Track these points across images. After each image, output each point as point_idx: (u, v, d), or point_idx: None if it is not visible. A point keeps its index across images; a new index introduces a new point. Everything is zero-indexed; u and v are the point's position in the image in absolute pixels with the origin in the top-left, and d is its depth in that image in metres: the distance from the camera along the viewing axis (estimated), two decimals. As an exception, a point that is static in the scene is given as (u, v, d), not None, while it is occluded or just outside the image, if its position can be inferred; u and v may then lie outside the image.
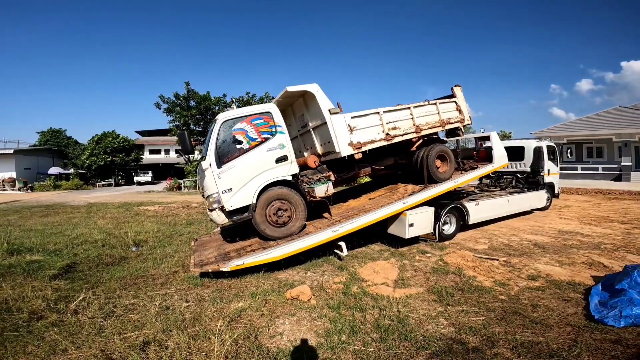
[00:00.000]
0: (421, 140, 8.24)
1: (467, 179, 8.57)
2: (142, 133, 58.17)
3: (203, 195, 6.61)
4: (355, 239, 7.93)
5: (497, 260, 6.43)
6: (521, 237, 8.19)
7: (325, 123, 6.76)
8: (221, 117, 6.09)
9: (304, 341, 3.94)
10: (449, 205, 8.03)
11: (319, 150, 7.63)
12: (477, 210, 8.59)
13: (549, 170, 11.62)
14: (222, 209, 5.96)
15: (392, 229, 7.47)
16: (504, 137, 59.49)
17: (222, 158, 5.87)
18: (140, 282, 5.95)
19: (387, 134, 7.41)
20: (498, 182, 12.47)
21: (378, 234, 8.05)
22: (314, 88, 6.69)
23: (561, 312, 4.19)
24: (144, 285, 5.79)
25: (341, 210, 8.08)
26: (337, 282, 5.78)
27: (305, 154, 8.15)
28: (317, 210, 7.60)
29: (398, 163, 8.61)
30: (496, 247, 7.43)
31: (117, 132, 43.23)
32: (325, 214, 7.47)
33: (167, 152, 54.45)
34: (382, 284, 5.64)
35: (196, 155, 26.62)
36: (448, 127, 8.56)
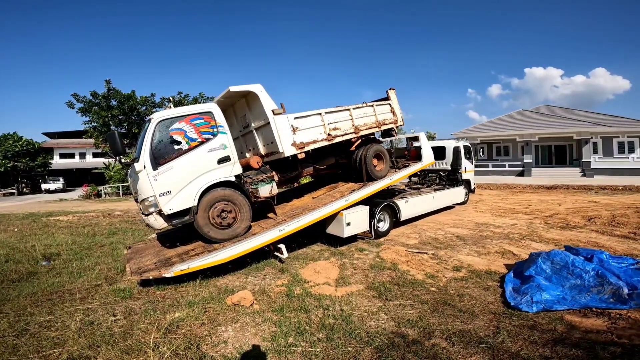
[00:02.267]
0: (360, 141, 8.66)
1: (400, 176, 9.22)
2: (51, 135, 50.72)
3: (136, 200, 6.14)
4: (296, 241, 7.95)
5: (427, 253, 6.95)
6: (446, 230, 8.97)
7: (269, 123, 6.74)
8: (157, 117, 5.76)
9: (251, 347, 3.85)
10: (382, 203, 8.47)
11: (262, 150, 7.59)
12: (407, 207, 9.20)
13: (465, 167, 12.87)
14: (160, 212, 5.66)
15: (331, 229, 7.66)
16: (429, 137, 64.10)
17: (159, 159, 5.56)
18: (56, 297, 5.36)
19: (329, 134, 7.65)
20: (425, 180, 13.51)
21: (318, 234, 8.17)
22: (257, 88, 6.62)
23: (483, 300, 4.66)
24: (59, 301, 5.23)
25: (286, 210, 8.11)
26: (279, 284, 5.73)
27: (247, 155, 8.06)
28: (262, 210, 7.56)
29: (339, 162, 8.94)
30: (425, 241, 8.03)
31: (19, 135, 37.97)
32: (270, 214, 7.46)
33: (82, 155, 48.31)
34: (324, 283, 5.72)
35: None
36: (384, 127, 9.13)
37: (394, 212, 8.86)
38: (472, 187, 13.77)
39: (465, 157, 13.01)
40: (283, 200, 9.13)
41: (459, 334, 3.83)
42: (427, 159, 10.01)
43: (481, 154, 15.84)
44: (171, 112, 5.93)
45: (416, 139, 10.57)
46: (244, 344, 3.92)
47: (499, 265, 5.95)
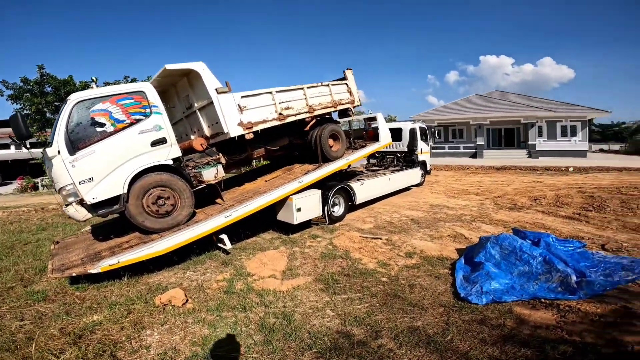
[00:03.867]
0: (314, 120, 8.30)
1: (357, 156, 8.91)
2: (-23, 124, 44.63)
3: (55, 189, 5.33)
4: (249, 228, 7.42)
5: (381, 239, 6.64)
6: (401, 213, 8.76)
7: (212, 103, 6.21)
8: (74, 97, 5.05)
9: (176, 352, 3.34)
10: (336, 186, 8.05)
11: (207, 132, 6.97)
12: (362, 190, 8.85)
13: (421, 149, 12.77)
14: (82, 202, 5.00)
15: (281, 215, 7.15)
16: (390, 120, 65.45)
17: (77, 143, 4.89)
18: (-43, 302, 4.49)
19: (280, 114, 7.18)
20: (382, 162, 13.29)
21: (271, 221, 7.63)
22: (199, 66, 6.01)
23: (434, 290, 4.37)
24: (-39, 305, 4.37)
25: (236, 194, 7.55)
26: (220, 280, 5.19)
27: (193, 137, 7.31)
28: (209, 196, 7.03)
29: (293, 143, 8.50)
30: (380, 225, 7.73)
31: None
32: (218, 200, 6.89)
33: (18, 146, 43.10)
34: (270, 276, 5.26)
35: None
36: (340, 107, 8.78)
37: (349, 195, 8.48)
38: (428, 169, 13.79)
39: (421, 139, 12.89)
40: (235, 184, 8.60)
41: (408, 332, 3.49)
42: (385, 140, 9.74)
43: (437, 136, 15.99)
44: (92, 92, 5.24)
45: (374, 119, 10.20)
46: (169, 349, 3.42)
47: (451, 251, 5.75)
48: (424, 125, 13.52)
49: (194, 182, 6.20)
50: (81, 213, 5.12)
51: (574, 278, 3.78)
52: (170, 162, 5.70)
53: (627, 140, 32.95)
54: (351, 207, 8.83)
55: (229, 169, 7.62)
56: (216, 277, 5.30)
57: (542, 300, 3.68)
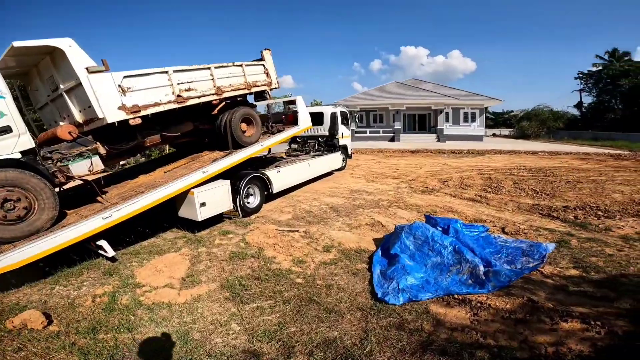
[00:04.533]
0: (224, 103, 7.33)
1: (274, 141, 8.30)
2: None
3: None
4: (145, 227, 6.38)
5: (298, 231, 6.18)
6: (321, 201, 8.43)
7: (81, 84, 5.06)
8: None
9: None
10: (249, 175, 7.31)
11: (79, 117, 5.67)
12: (280, 178, 8.27)
13: (342, 133, 12.64)
14: None
15: (183, 212, 6.21)
16: (316, 105, 65.47)
17: None
18: None
19: (179, 96, 6.17)
20: (304, 147, 12.85)
21: (175, 218, 6.60)
22: (63, 43, 4.92)
23: (351, 290, 4.02)
24: None
25: (125, 189, 6.35)
26: (99, 294, 4.20)
27: (62, 124, 5.86)
28: (91, 194, 5.76)
29: (199, 129, 7.48)
30: (299, 215, 7.27)
31: None
32: (100, 197, 5.67)
33: None
34: (165, 286, 4.42)
35: None
36: (254, 89, 7.96)
37: (265, 184, 7.80)
38: (350, 153, 13.79)
39: (342, 123, 12.74)
40: (128, 176, 7.29)
41: (324, 345, 3.06)
42: (304, 124, 9.25)
43: (357, 120, 16.21)
44: None
45: (293, 102, 9.59)
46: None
47: (369, 241, 5.53)
48: (345, 110, 13.37)
49: (59, 178, 5.03)
50: None
51: (481, 269, 3.76)
52: (18, 156, 4.54)
53: (515, 126, 38.08)
54: (269, 196, 8.21)
55: (113, 161, 6.39)
56: (94, 291, 4.30)
57: (456, 296, 3.57)
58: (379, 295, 3.73)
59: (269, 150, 11.87)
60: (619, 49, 36.46)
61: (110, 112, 5.21)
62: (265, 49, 8.20)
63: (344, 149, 13.06)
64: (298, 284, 4.30)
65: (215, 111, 7.20)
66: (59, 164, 5.10)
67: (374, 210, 7.29)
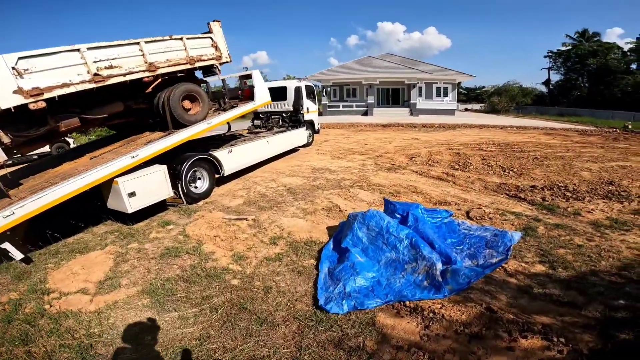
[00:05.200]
0: (160, 80, 6.25)
1: (223, 118, 7.44)
2: None
3: None
4: (79, 220, 5.65)
5: (246, 219, 5.47)
6: (279, 181, 7.69)
7: None
8: None
9: None
10: (192, 157, 6.44)
11: None
12: (231, 159, 7.42)
13: (307, 108, 11.77)
14: None
15: (112, 203, 5.37)
16: (288, 79, 63.10)
17: None
18: None
19: (96, 74, 5.26)
20: (267, 123, 11.92)
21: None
22: None
23: (292, 295, 3.41)
24: None
25: (41, 180, 5.52)
26: (3, 302, 3.60)
27: None
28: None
29: (133, 109, 6.55)
30: (252, 199, 6.53)
31: None
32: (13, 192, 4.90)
33: None
34: (78, 291, 3.73)
35: None
36: (200, 64, 6.96)
37: (214, 166, 6.96)
38: (317, 128, 12.99)
39: (308, 98, 11.85)
40: (52, 165, 6.35)
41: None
42: (261, 99, 8.31)
43: (325, 94, 15.33)
44: None
45: (249, 77, 8.58)
46: None
47: (322, 231, 4.91)
48: (310, 84, 12.43)
49: None
50: None
51: (439, 267, 3.23)
52: None
53: (486, 101, 38.26)
54: (222, 178, 7.40)
55: (21, 149, 5.44)
56: (6, 297, 3.68)
57: (408, 303, 3.02)
58: (321, 302, 3.13)
59: (229, 127, 10.97)
60: (589, 29, 36.74)
61: (3, 97, 4.36)
62: (213, 21, 7.13)
63: (310, 124, 12.25)
64: (232, 286, 3.65)
65: (150, 89, 6.18)
66: None
67: (334, 192, 6.66)
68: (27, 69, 4.58)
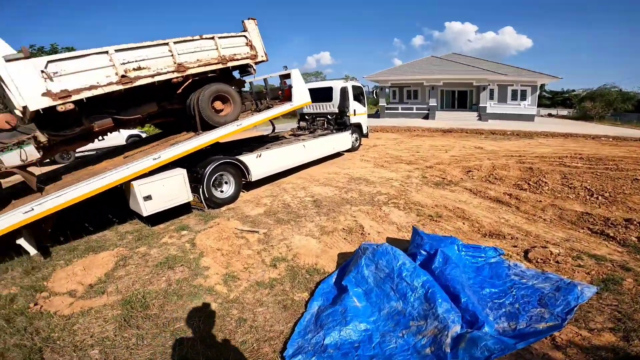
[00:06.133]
0: (191, 80, 6.14)
1: (256, 120, 7.10)
2: None
3: None
4: (115, 215, 5.92)
5: (258, 232, 4.99)
6: (308, 191, 7.08)
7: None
8: None
9: None
10: (217, 161, 6.17)
11: (16, 105, 5.02)
12: (260, 164, 7.03)
13: (354, 110, 10.99)
14: None
15: (132, 205, 5.41)
16: (347, 80, 62.24)
17: None
18: None
19: (124, 76, 5.27)
20: (312, 125, 11.43)
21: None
22: None
23: (264, 334, 2.83)
24: None
25: (76, 176, 5.71)
26: (5, 295, 3.68)
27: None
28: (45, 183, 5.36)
29: (168, 109, 6.53)
30: (273, 210, 6.04)
31: None
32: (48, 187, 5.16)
33: None
34: (66, 293, 3.70)
35: None
36: (232, 63, 6.68)
37: (241, 171, 6.64)
38: (365, 132, 12.11)
39: (356, 99, 11.06)
40: (96, 162, 6.67)
41: None
42: (300, 100, 7.85)
43: (375, 95, 14.35)
44: None
45: (288, 76, 8.15)
46: None
47: (332, 257, 4.17)
48: (359, 84, 11.62)
49: None
50: None
51: (452, 332, 2.33)
52: None
53: (575, 106, 33.00)
54: (252, 183, 7.08)
55: (56, 149, 5.66)
56: (6, 291, 3.81)
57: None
58: (288, 352, 2.51)
59: (273, 128, 10.73)
60: None
61: (32, 99, 4.53)
62: (248, 18, 6.83)
63: (357, 127, 11.45)
64: (206, 312, 3.17)
65: (180, 90, 6.06)
66: None
67: (363, 209, 5.83)
68: (57, 72, 4.72)
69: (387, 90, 26.55)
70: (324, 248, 4.42)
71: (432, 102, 24.24)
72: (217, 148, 7.42)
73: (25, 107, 4.51)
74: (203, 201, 5.95)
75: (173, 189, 5.45)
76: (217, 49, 6.29)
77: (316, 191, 7.02)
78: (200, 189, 5.87)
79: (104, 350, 2.74)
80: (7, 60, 4.36)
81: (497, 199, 6.31)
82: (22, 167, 4.84)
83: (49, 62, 4.67)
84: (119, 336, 2.90)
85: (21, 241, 4.45)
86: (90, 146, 7.32)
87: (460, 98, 25.23)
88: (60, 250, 4.87)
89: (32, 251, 4.56)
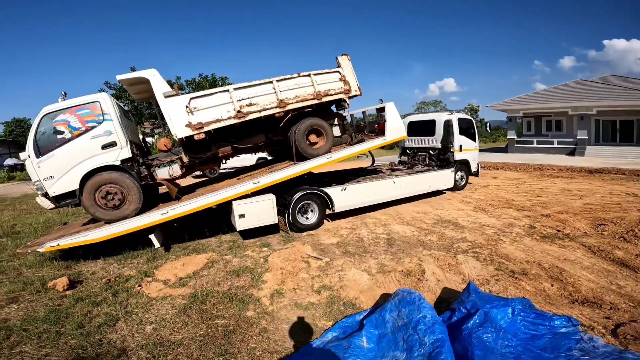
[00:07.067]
0: (290, 115, 7.10)
1: (346, 153, 7.66)
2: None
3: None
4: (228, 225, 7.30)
5: (321, 260, 5.38)
6: (388, 228, 7.03)
7: (160, 107, 6.27)
8: (44, 110, 5.76)
9: None
10: (301, 191, 6.88)
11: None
12: (344, 197, 7.43)
13: (460, 146, 10.21)
14: (46, 195, 5.77)
15: (232, 219, 6.62)
16: (471, 110, 55.63)
17: (42, 149, 5.67)
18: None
19: (239, 112, 6.53)
20: (413, 160, 11.20)
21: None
22: (148, 74, 6.16)
23: (273, 346, 3.26)
24: None
25: (202, 191, 7.27)
26: (125, 275, 5.14)
27: (161, 139, 7.77)
28: (182, 193, 7.18)
29: (273, 140, 7.67)
30: (346, 241, 6.31)
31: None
32: (185, 196, 6.93)
33: None
34: (163, 281, 4.95)
35: None
36: (327, 99, 7.41)
37: (325, 202, 7.21)
38: (474, 170, 11.01)
39: (463, 133, 10.33)
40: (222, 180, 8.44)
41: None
42: (393, 134, 8.03)
43: (488, 129, 12.80)
44: (58, 105, 5.82)
45: (383, 109, 8.46)
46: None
47: (374, 296, 4.15)
48: (467, 117, 10.88)
49: (148, 179, 6.42)
50: (45, 203, 5.89)
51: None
52: (118, 163, 5.94)
53: None
54: (337, 213, 7.57)
55: (192, 168, 7.36)
56: (125, 272, 5.29)
57: None
58: None
59: (373, 160, 11.07)
60: None
61: (179, 129, 6.11)
62: (342, 55, 7.57)
63: (464, 164, 10.60)
64: (243, 316, 3.81)
65: (282, 124, 7.10)
66: (156, 169, 6.56)
67: (435, 254, 5.46)
68: (195, 107, 6.24)
69: (518, 120, 23.34)
70: (372, 286, 4.44)
71: (581, 135, 19.87)
72: (312, 177, 8.24)
73: (175, 135, 6.14)
74: (287, 225, 6.73)
75: (262, 211, 6.44)
76: (312, 85, 7.10)
77: (395, 229, 6.93)
78: (286, 214, 6.68)
79: (156, 327, 3.61)
80: (166, 97, 6.04)
81: (623, 261, 4.92)
82: (170, 180, 6.60)
83: (191, 98, 6.22)
84: (173, 319, 3.75)
85: (152, 236, 6.09)
86: (229, 164, 9.33)
87: (623, 129, 19.84)
88: (177, 247, 6.36)
89: (157, 245, 6.17)
